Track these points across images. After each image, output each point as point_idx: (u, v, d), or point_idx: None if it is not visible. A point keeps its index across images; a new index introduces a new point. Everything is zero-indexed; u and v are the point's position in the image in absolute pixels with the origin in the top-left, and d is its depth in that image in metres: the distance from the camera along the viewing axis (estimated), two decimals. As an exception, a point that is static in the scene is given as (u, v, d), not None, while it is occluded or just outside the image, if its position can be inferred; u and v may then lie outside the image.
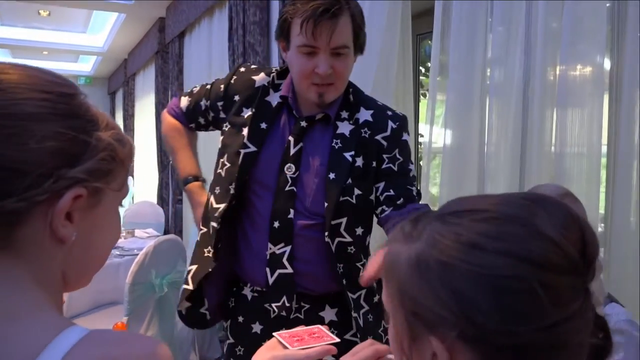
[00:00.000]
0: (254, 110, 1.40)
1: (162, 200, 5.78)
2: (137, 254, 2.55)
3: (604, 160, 1.62)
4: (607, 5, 1.54)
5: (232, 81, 1.46)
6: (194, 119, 1.55)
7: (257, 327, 1.42)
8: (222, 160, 1.43)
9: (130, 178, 7.02)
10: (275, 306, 1.39)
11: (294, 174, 1.37)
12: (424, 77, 2.94)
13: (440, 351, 0.52)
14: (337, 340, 0.97)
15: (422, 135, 2.73)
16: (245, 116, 1.41)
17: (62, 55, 8.65)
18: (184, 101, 1.56)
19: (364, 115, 1.39)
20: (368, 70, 2.21)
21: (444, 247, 0.52)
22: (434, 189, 2.17)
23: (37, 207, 0.56)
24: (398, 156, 1.39)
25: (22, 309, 0.55)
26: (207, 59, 4.42)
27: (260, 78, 1.44)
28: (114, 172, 0.62)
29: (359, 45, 1.35)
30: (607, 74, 1.60)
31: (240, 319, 1.45)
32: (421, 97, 2.87)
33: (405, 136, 1.43)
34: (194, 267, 1.45)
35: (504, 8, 1.82)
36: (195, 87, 1.57)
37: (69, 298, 2.64)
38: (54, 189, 0.56)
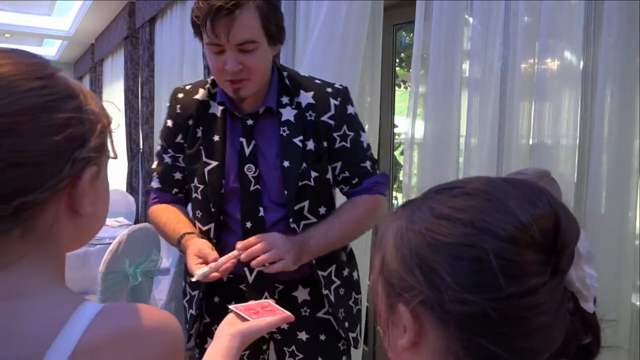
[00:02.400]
0: (202, 127, 1.42)
1: (131, 188, 5.68)
2: (108, 243, 2.51)
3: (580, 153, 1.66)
4: (584, 1, 1.58)
5: (178, 110, 1.46)
6: (172, 182, 1.50)
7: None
8: (193, 184, 1.43)
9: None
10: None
11: (254, 173, 1.38)
12: (399, 68, 2.96)
13: (408, 319, 0.54)
14: (289, 314, 1.05)
15: (396, 126, 2.75)
16: (199, 135, 1.42)
17: (25, 39, 8.36)
18: (154, 180, 1.54)
19: (305, 98, 1.39)
20: (331, 57, 2.22)
21: (418, 219, 0.56)
22: (413, 180, 2.19)
23: (59, 194, 0.58)
24: (348, 132, 1.41)
25: (37, 288, 0.58)
26: (179, 44, 4.34)
27: (201, 95, 1.44)
28: (106, 141, 0.65)
29: (273, 36, 1.31)
30: (581, 69, 1.64)
31: (216, 299, 1.49)
32: (396, 87, 2.89)
33: (350, 109, 1.44)
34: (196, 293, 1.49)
35: (483, 2, 1.84)
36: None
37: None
38: (72, 173, 0.58)
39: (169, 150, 1.48)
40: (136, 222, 4.46)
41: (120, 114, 6.01)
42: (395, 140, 2.76)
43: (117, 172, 6.60)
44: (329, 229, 1.37)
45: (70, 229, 0.62)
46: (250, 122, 1.39)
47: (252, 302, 1.08)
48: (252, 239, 1.27)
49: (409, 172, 2.11)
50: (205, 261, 1.27)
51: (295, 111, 1.38)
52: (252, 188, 1.38)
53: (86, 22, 6.66)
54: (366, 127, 2.38)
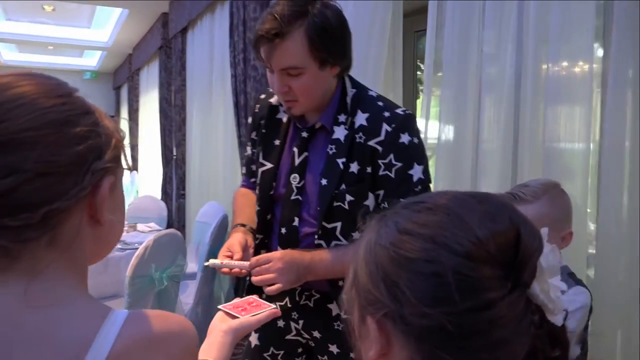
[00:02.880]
0: (264, 129, 1.48)
1: (166, 194, 5.82)
2: (138, 248, 2.59)
3: (594, 156, 1.64)
4: (596, 3, 1.55)
5: (257, 110, 1.55)
6: (251, 172, 1.61)
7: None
8: (255, 181, 1.53)
9: (134, 172, 7.05)
10: (279, 304, 1.43)
11: (298, 183, 1.41)
12: (421, 74, 2.95)
13: (374, 331, 0.55)
14: (274, 306, 1.10)
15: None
16: (263, 136, 1.49)
17: (67, 50, 8.70)
18: (243, 168, 1.67)
19: (360, 119, 1.35)
20: (359, 65, 2.24)
21: (384, 233, 0.57)
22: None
23: (81, 202, 0.62)
24: (394, 162, 1.32)
25: (64, 296, 0.62)
26: (208, 54, 4.45)
27: (275, 100, 1.49)
28: (120, 154, 0.68)
29: (325, 60, 1.30)
30: (596, 71, 1.62)
31: (263, 297, 1.51)
32: (420, 93, 2.89)
33: (404, 138, 1.32)
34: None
35: (496, 5, 1.84)
36: None
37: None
38: (93, 182, 0.62)
39: (249, 144, 1.60)
40: (168, 227, 4.58)
41: (154, 121, 6.17)
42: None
43: (152, 178, 6.78)
44: (343, 257, 1.33)
45: (91, 239, 0.66)
46: (304, 134, 1.41)
47: (238, 300, 1.13)
48: (262, 258, 1.31)
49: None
50: (231, 256, 1.34)
51: (346, 132, 1.35)
52: (293, 197, 1.40)
53: (123, 33, 6.89)
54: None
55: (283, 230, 1.42)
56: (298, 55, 1.27)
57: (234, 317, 1.04)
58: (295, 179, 1.41)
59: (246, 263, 1.32)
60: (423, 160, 1.37)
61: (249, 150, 1.61)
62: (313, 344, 1.50)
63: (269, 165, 1.45)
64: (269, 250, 1.48)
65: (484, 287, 0.51)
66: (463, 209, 0.55)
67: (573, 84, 1.62)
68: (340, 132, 1.36)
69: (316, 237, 1.37)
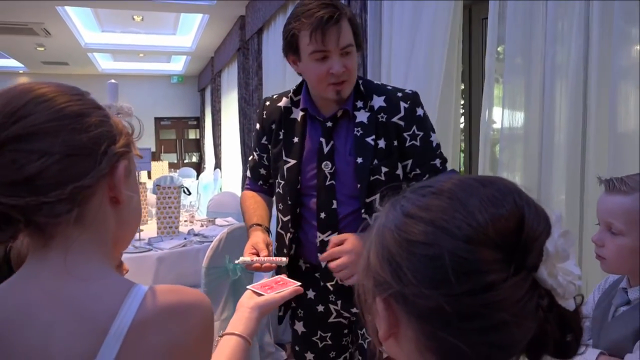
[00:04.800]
0: (283, 129, 1.59)
1: (246, 190, 6.04)
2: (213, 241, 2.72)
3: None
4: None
5: (265, 116, 1.65)
6: (258, 176, 1.72)
7: (311, 294, 1.62)
8: (277, 180, 1.62)
9: (218, 170, 7.32)
10: (330, 284, 1.56)
11: (331, 169, 1.52)
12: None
13: (382, 311, 0.58)
14: (299, 283, 1.19)
15: (494, 122, 2.68)
16: (281, 137, 1.60)
17: (156, 57, 9.24)
18: (248, 170, 1.77)
19: (377, 101, 1.52)
20: (419, 54, 2.23)
21: (391, 216, 0.59)
22: (491, 174, 2.14)
23: (101, 182, 0.70)
24: (417, 132, 1.52)
25: (94, 272, 0.70)
26: (282, 53, 4.55)
27: (283, 102, 1.61)
28: (130, 144, 0.77)
29: (358, 43, 1.49)
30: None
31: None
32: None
33: (419, 111, 1.54)
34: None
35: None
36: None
37: (155, 282, 2.87)
38: (110, 163, 0.71)
39: (257, 149, 1.70)
40: (246, 221, 4.75)
41: (234, 121, 6.35)
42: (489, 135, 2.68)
43: (233, 175, 7.05)
44: None
45: (113, 218, 0.74)
46: (329, 124, 1.53)
47: (266, 280, 1.21)
48: (334, 252, 1.36)
49: (487, 166, 2.06)
50: (257, 254, 1.45)
51: (368, 114, 1.51)
52: (327, 183, 1.52)
53: (205, 38, 7.21)
54: (452, 122, 2.37)
55: (322, 215, 1.52)
56: (350, 35, 1.45)
57: (260, 295, 1.12)
58: (327, 166, 1.52)
59: (276, 258, 1.44)
60: (433, 129, 1.59)
61: (255, 155, 1.71)
62: (354, 319, 1.62)
63: (292, 162, 1.56)
64: (300, 244, 1.58)
65: (483, 270, 0.51)
66: (465, 193, 0.56)
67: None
68: (362, 116, 1.52)
69: (362, 211, 1.49)
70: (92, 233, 0.71)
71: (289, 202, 1.56)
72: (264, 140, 1.65)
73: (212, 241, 2.76)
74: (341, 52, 1.43)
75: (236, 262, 1.44)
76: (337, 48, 1.42)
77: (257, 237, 1.50)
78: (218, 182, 7.65)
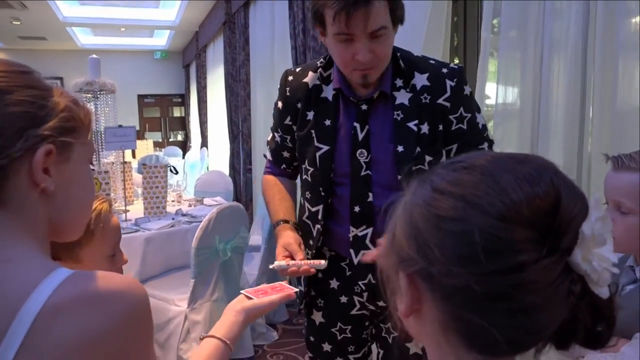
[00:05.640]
0: (314, 111, 1.42)
1: (233, 169, 5.98)
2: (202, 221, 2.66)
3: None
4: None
5: (288, 93, 1.48)
6: (280, 159, 1.56)
7: (334, 283, 1.50)
8: (303, 166, 1.47)
9: (204, 149, 7.24)
10: (362, 284, 1.45)
11: (366, 158, 1.38)
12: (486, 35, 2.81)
13: (405, 287, 0.56)
14: (296, 289, 1.12)
15: (488, 97, 2.64)
16: (309, 119, 1.43)
17: (138, 31, 9.02)
18: (268, 153, 1.61)
19: (420, 80, 1.36)
20: (417, 30, 2.16)
21: (420, 192, 0.57)
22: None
23: (17, 164, 0.66)
24: (464, 113, 1.38)
25: (15, 255, 0.66)
26: (270, 27, 4.45)
27: (310, 78, 1.45)
28: (76, 129, 0.73)
29: (397, 19, 1.29)
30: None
31: (320, 275, 1.52)
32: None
33: (466, 90, 1.39)
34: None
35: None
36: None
37: (143, 263, 2.82)
38: (27, 147, 0.66)
39: (279, 130, 1.53)
40: (235, 201, 4.69)
41: (220, 98, 6.26)
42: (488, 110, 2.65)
43: (220, 154, 6.96)
44: None
45: (40, 202, 0.69)
46: (364, 107, 1.37)
47: (264, 285, 1.15)
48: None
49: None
50: (291, 256, 1.34)
51: (410, 94, 1.35)
52: (362, 173, 1.38)
53: (189, 11, 7.04)
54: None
55: (357, 209, 1.39)
56: (385, 14, 1.25)
57: (251, 299, 1.08)
58: (362, 155, 1.37)
59: (315, 261, 1.32)
60: (478, 107, 1.45)
61: (277, 137, 1.54)
62: (379, 312, 1.50)
63: (325, 148, 1.40)
64: (329, 236, 1.46)
65: (515, 250, 0.49)
66: (500, 170, 0.53)
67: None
68: (403, 97, 1.36)
69: None
70: (16, 215, 0.67)
71: (322, 193, 1.42)
72: (287, 121, 1.48)
73: (201, 221, 2.71)
74: (370, 35, 1.25)
75: (270, 266, 1.32)
76: (364, 32, 1.24)
77: (289, 237, 1.38)
78: (205, 161, 7.55)
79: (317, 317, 1.55)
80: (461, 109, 1.37)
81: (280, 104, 1.51)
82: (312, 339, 1.58)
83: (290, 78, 1.48)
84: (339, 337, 1.53)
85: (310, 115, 1.43)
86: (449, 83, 1.36)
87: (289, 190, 1.56)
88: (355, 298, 1.48)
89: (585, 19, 1.66)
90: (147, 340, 0.69)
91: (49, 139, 0.68)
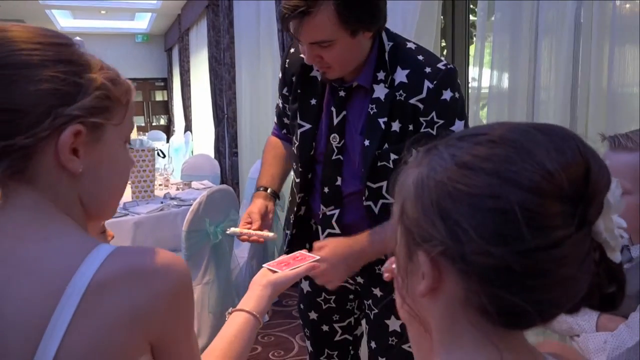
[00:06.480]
0: (302, 88, 1.43)
1: (219, 153, 5.94)
2: (192, 204, 2.66)
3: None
4: None
5: (287, 65, 1.50)
6: (282, 124, 1.59)
7: None
8: (293, 138, 1.50)
9: (188, 133, 7.16)
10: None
11: (338, 143, 1.39)
12: (475, 18, 2.82)
13: (427, 268, 0.54)
14: (319, 257, 1.14)
15: (474, 79, 2.65)
16: (297, 94, 1.45)
17: (118, 14, 8.85)
18: (275, 116, 1.64)
19: (400, 75, 1.32)
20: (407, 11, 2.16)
21: (440, 168, 0.53)
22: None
23: (44, 143, 0.64)
24: (436, 119, 1.30)
25: (53, 232, 0.65)
26: (255, 9, 4.40)
27: None
28: (110, 109, 0.69)
29: (356, 29, 1.24)
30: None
31: (307, 245, 1.53)
32: (474, 39, 2.77)
33: (445, 94, 1.29)
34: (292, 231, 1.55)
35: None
36: None
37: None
38: (54, 126, 0.64)
39: (280, 98, 1.57)
40: (222, 184, 4.68)
41: (204, 81, 6.22)
42: (471, 94, 2.66)
43: (205, 137, 6.91)
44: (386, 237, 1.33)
45: (75, 188, 0.68)
46: (342, 93, 1.38)
47: (284, 257, 1.16)
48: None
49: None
50: (251, 223, 1.39)
51: (387, 90, 1.32)
52: (334, 157, 1.39)
53: (171, -7, 6.92)
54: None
55: (326, 190, 1.42)
56: (327, 29, 1.21)
57: (275, 272, 1.07)
58: (335, 139, 1.39)
59: (264, 233, 1.37)
60: (463, 114, 1.35)
61: (280, 102, 1.58)
62: (359, 289, 1.55)
63: (307, 126, 1.43)
64: (310, 207, 1.50)
65: (554, 225, 0.49)
66: (529, 142, 0.51)
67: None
68: (380, 91, 1.33)
69: (364, 198, 1.37)
70: (48, 194, 0.66)
71: (300, 169, 1.46)
72: (285, 91, 1.52)
73: (190, 205, 2.70)
74: (312, 45, 1.25)
75: (227, 232, 1.40)
76: (305, 40, 1.24)
77: (255, 206, 1.43)
78: (189, 145, 7.50)
79: (305, 285, 1.62)
80: (434, 113, 1.30)
81: (280, 73, 1.55)
82: (301, 306, 1.67)
83: (292, 51, 1.50)
84: (324, 307, 1.60)
85: (299, 92, 1.45)
86: (427, 84, 1.29)
87: (287, 153, 1.58)
88: None
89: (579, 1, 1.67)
90: (190, 315, 0.70)
91: (78, 118, 0.65)
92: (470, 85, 2.42)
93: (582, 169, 0.50)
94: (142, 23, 9.64)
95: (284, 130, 1.60)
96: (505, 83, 1.95)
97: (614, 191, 0.52)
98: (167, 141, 8.40)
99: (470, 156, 0.52)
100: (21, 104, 0.62)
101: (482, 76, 2.07)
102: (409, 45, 1.37)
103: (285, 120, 1.56)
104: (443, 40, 2.51)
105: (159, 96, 11.32)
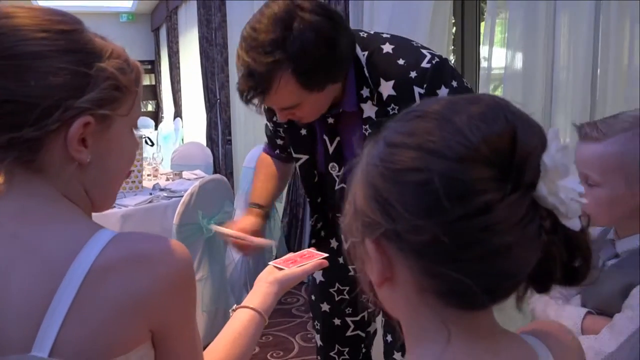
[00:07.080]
0: (286, 123, 1.37)
1: (211, 141, 5.76)
2: (183, 196, 2.54)
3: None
4: None
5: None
6: (274, 145, 1.56)
7: (334, 243, 1.54)
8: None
9: (178, 119, 6.98)
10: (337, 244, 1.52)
11: (338, 171, 1.36)
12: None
13: (374, 254, 0.54)
14: (327, 255, 1.09)
15: (485, 59, 2.54)
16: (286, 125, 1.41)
17: (103, -7, 8.59)
18: (266, 135, 1.59)
19: (386, 89, 1.24)
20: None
21: (375, 152, 0.55)
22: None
23: (53, 135, 0.65)
24: None
25: (57, 217, 0.67)
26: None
27: None
28: (119, 100, 0.70)
29: (321, 86, 1.18)
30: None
31: (322, 233, 1.57)
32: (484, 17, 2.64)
33: (441, 92, 1.23)
34: None
35: None
36: None
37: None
38: (64, 118, 0.65)
39: (270, 122, 1.51)
40: (214, 174, 4.55)
41: (195, 63, 6.04)
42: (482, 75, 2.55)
43: (196, 124, 6.74)
44: None
45: (82, 178, 0.69)
46: (330, 120, 1.33)
47: (291, 254, 1.13)
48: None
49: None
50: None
51: (376, 108, 1.26)
52: (337, 187, 1.36)
53: (158, -28, 6.68)
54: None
55: (336, 214, 1.40)
56: (293, 96, 1.18)
57: (281, 270, 1.05)
58: (334, 169, 1.37)
59: (264, 240, 1.38)
60: None
61: (269, 125, 1.52)
62: None
63: (304, 158, 1.41)
64: (331, 226, 1.51)
65: (478, 190, 0.48)
66: (452, 112, 0.52)
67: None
68: (369, 110, 1.27)
69: None
70: (55, 181, 0.68)
71: (308, 198, 1.48)
72: (275, 119, 1.43)
73: (181, 196, 2.60)
74: (281, 109, 1.24)
75: (213, 229, 1.35)
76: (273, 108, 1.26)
77: (245, 222, 1.43)
78: (179, 133, 7.31)
79: (318, 275, 1.59)
80: None
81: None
82: (313, 297, 1.64)
83: None
84: (337, 298, 1.57)
85: (286, 125, 1.41)
86: (417, 91, 1.22)
87: (279, 172, 1.57)
88: None
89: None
90: (192, 302, 0.71)
91: (87, 110, 0.66)
92: (481, 65, 2.29)
93: (508, 136, 0.50)
94: (126, 2, 9.39)
95: (277, 151, 1.57)
96: (519, 63, 1.84)
97: (554, 154, 0.50)
98: (156, 128, 8.21)
99: (398, 135, 0.53)
100: (29, 96, 0.63)
101: (493, 55, 1.97)
102: (385, 48, 1.27)
103: (279, 142, 1.53)
104: (453, 18, 2.39)
105: (146, 80, 11.06)
